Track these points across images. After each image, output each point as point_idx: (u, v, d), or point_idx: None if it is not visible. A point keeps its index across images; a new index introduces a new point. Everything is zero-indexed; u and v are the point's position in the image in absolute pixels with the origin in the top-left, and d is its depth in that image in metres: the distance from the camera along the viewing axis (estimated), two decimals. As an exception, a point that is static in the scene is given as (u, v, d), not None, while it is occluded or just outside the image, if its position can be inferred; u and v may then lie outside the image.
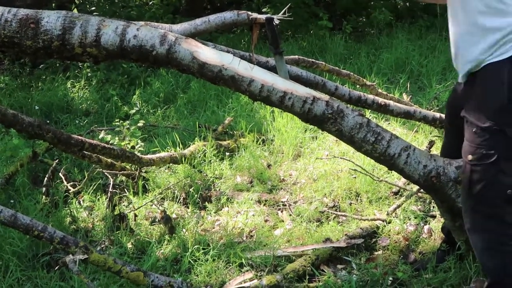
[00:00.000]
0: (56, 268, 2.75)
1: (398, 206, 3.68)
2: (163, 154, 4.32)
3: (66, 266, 2.61)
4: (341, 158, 4.31)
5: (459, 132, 2.47)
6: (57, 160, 4.44)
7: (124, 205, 3.95)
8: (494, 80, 2.23)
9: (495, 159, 2.23)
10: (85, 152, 3.71)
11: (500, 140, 2.22)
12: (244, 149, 4.70)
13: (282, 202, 4.00)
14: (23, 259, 3.25)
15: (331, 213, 3.76)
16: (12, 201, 3.94)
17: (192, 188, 4.10)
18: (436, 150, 4.20)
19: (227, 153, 4.66)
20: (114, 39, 2.39)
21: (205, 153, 4.51)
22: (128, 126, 4.87)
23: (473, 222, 2.42)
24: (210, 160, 4.49)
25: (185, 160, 4.33)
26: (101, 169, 4.10)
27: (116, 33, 2.39)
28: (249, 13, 2.67)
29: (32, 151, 4.27)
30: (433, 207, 3.73)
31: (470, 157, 2.31)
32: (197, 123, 5.22)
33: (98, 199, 3.97)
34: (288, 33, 8.82)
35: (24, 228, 2.60)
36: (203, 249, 3.31)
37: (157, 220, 3.73)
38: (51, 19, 2.35)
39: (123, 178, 4.19)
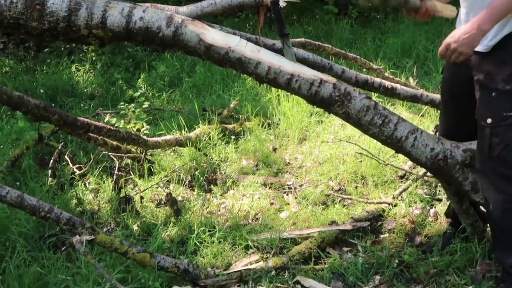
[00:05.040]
0: (63, 249, 2.77)
1: (404, 190, 3.68)
2: (168, 137, 4.33)
3: (73, 247, 2.62)
4: (346, 141, 4.30)
5: (458, 108, 2.59)
6: (63, 143, 4.44)
7: (129, 188, 3.96)
8: None
9: None
10: (90, 134, 3.71)
11: None
12: (249, 133, 4.70)
13: (287, 185, 4.00)
14: (29, 240, 3.26)
15: (337, 196, 3.76)
16: (18, 183, 3.95)
17: (198, 171, 4.10)
18: (442, 134, 4.20)
19: (233, 137, 4.66)
20: (120, 21, 2.38)
21: (211, 136, 4.51)
22: (133, 109, 4.86)
23: (493, 185, 2.47)
24: (216, 143, 4.48)
25: (190, 143, 4.32)
26: (106, 152, 4.10)
27: (122, 14, 2.39)
28: (256, -6, 2.66)
29: (38, 134, 4.27)
30: (439, 190, 3.72)
31: (489, 120, 2.36)
32: (202, 107, 5.21)
33: (104, 181, 3.98)
34: (293, 18, 8.77)
35: (30, 209, 2.60)
36: (209, 231, 3.31)
37: (162, 202, 3.73)
38: (57, 1, 2.34)
39: (129, 161, 4.19)
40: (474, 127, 2.49)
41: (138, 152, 4.20)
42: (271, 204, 3.76)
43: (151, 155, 4.27)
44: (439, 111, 4.48)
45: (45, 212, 2.61)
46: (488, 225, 3.09)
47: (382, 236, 3.32)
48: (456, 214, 2.97)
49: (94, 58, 6.92)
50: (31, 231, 3.30)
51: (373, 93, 4.20)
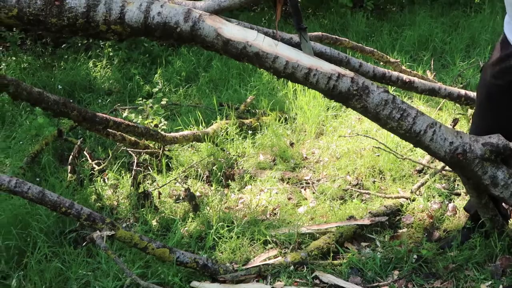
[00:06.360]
0: (84, 244, 2.79)
1: (422, 184, 3.66)
2: (186, 132, 4.33)
3: (93, 242, 2.64)
4: (364, 136, 4.28)
5: (494, 109, 2.54)
6: (81, 139, 4.48)
7: (148, 183, 3.98)
8: None
9: None
10: (109, 130, 3.74)
11: None
12: (266, 128, 4.70)
13: (305, 180, 4.00)
14: (50, 235, 3.30)
15: (355, 191, 3.76)
16: (38, 179, 3.99)
17: (215, 166, 4.11)
18: (460, 128, 4.17)
19: (250, 132, 4.66)
20: (138, 16, 2.39)
21: (228, 131, 4.51)
22: (151, 104, 4.88)
23: None
24: (233, 138, 4.49)
25: (208, 138, 4.33)
26: (125, 148, 4.12)
27: (140, 10, 2.40)
28: (273, -12, 2.65)
29: (58, 130, 4.30)
30: (458, 185, 3.70)
31: None
32: (219, 102, 5.21)
33: (123, 177, 4.00)
34: (309, 11, 8.74)
35: (51, 205, 2.63)
36: (227, 226, 3.33)
37: (181, 198, 3.75)
38: (76, -3, 2.35)
39: (147, 156, 4.21)
40: (509, 129, 2.46)
41: (156, 147, 4.22)
42: (289, 199, 3.76)
43: (169, 150, 4.29)
44: (458, 105, 4.48)
45: (66, 208, 2.64)
46: (509, 220, 3.07)
47: (400, 231, 3.31)
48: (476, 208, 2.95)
49: (111, 54, 6.94)
50: (52, 226, 3.34)
51: (390, 86, 4.18)
